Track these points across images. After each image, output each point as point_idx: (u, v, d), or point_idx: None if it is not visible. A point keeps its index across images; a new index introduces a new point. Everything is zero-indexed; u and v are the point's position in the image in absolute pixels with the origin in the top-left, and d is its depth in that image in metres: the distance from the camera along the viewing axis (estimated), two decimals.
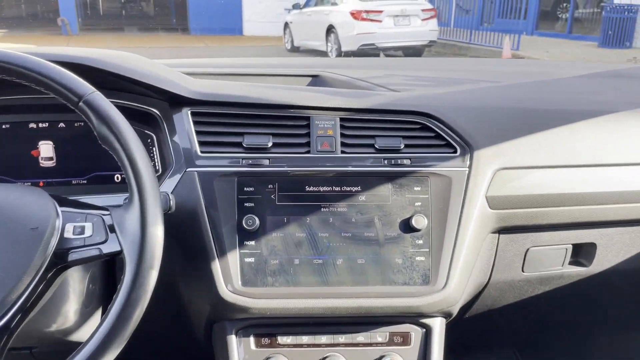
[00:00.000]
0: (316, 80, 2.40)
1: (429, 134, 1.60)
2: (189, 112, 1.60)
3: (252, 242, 1.60)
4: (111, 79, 1.61)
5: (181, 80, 1.72)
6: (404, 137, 1.59)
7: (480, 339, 2.52)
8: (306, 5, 18.04)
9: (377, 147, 1.56)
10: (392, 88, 2.01)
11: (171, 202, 1.49)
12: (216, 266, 1.57)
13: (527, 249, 1.68)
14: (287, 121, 1.60)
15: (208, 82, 1.81)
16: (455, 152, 1.59)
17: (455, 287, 1.61)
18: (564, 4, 20.58)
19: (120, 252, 1.28)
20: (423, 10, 16.10)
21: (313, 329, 1.69)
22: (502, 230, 1.64)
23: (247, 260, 1.59)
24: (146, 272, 1.25)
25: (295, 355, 1.68)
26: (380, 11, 15.44)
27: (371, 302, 1.59)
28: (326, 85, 2.29)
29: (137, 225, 1.27)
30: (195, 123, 1.57)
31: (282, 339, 1.68)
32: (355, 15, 15.43)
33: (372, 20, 15.41)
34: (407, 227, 1.63)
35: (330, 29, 16.16)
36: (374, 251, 1.62)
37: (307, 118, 1.61)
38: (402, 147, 1.57)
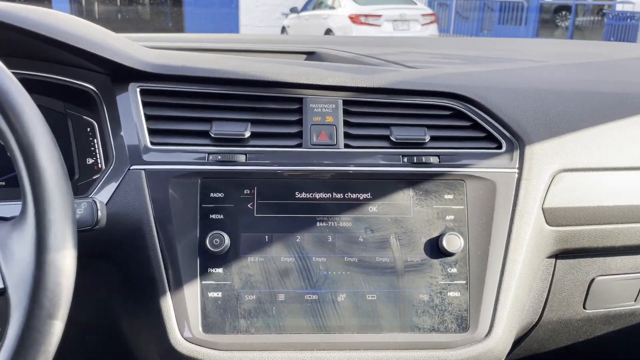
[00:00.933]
0: (313, 57, 1.94)
1: (463, 123, 1.21)
2: (138, 89, 1.17)
3: (220, 270, 1.14)
4: (27, 41, 1.15)
5: (129, 47, 1.26)
6: (430, 127, 1.22)
7: None
8: (304, 9, 17.72)
9: (393, 139, 1.17)
10: (411, 65, 1.56)
11: (98, 213, 1.03)
12: (167, 304, 1.12)
13: (592, 279, 1.26)
14: (272, 103, 1.18)
15: (165, 52, 1.35)
16: (499, 147, 1.16)
17: (503, 335, 1.15)
18: (564, 12, 20.33)
19: (3, 292, 0.84)
20: (423, 15, 15.79)
21: None
22: (561, 254, 1.23)
23: (212, 295, 1.13)
24: (42, 323, 0.81)
25: None
26: (379, 15, 15.11)
27: (386, 356, 1.13)
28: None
29: (30, 250, 0.83)
30: (146, 104, 1.19)
31: None
32: (354, 19, 15.10)
33: (370, 24, 15.08)
34: (435, 250, 1.17)
35: (328, 33, 15.80)
36: (389, 283, 1.16)
37: (299, 100, 1.18)
38: (427, 140, 1.15)
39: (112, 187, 1.18)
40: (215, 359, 1.12)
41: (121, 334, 1.29)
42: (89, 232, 1.00)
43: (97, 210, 1.04)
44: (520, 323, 1.30)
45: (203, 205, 1.17)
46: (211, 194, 1.18)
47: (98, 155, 1.32)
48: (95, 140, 1.34)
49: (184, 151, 1.20)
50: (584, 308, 1.40)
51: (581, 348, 1.55)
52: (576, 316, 1.41)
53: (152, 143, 1.20)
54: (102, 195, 1.17)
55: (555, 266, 1.31)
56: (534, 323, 1.38)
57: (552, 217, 1.23)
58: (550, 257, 1.29)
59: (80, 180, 1.32)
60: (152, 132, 1.21)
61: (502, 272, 1.18)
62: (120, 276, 1.20)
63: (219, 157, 1.19)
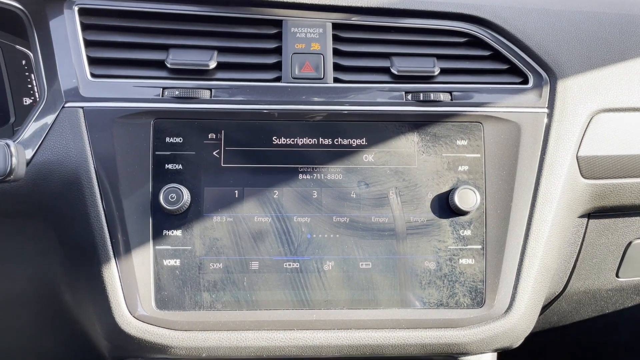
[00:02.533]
0: None
1: (481, 53, 1.04)
2: (75, 8, 0.93)
3: (177, 233, 0.92)
4: None
5: None
6: (440, 57, 1.04)
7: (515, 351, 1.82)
8: None
9: (394, 72, 0.98)
10: None
11: (13, 160, 0.80)
12: (112, 274, 0.90)
13: (629, 243, 1.08)
14: (243, 27, 1.03)
15: None
16: (525, 82, 0.96)
17: (526, 310, 0.95)
18: None
19: None
20: None
21: None
22: (595, 213, 1.06)
23: (168, 263, 0.92)
24: None
25: None
26: None
27: (382, 336, 0.92)
28: None
29: None
30: (85, 27, 1.03)
31: None
32: None
33: None
34: (444, 208, 0.96)
35: None
36: (387, 249, 0.94)
37: (278, 23, 0.95)
38: (436, 73, 0.95)
39: (43, 129, 0.95)
40: (172, 341, 0.91)
41: (67, 309, 1.08)
42: (6, 183, 0.78)
43: (11, 156, 0.81)
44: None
45: (157, 153, 0.94)
46: (167, 139, 0.95)
47: (37, 94, 1.08)
48: (32, 75, 1.09)
49: (132, 85, 0.96)
50: (617, 276, 1.19)
51: (605, 322, 1.35)
52: (607, 285, 1.20)
53: (92, 75, 0.97)
54: (31, 139, 0.94)
55: (587, 227, 1.09)
56: (557, 294, 1.18)
57: (588, 167, 1.01)
58: (582, 216, 1.08)
59: (18, 124, 1.09)
60: (92, 61, 0.98)
61: (526, 235, 0.96)
62: (57, 239, 0.98)
63: (177, 92, 0.96)
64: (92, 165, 0.93)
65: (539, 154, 0.98)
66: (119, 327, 0.90)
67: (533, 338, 1.41)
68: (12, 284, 1.08)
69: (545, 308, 1.23)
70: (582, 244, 1.11)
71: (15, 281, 1.08)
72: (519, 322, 0.95)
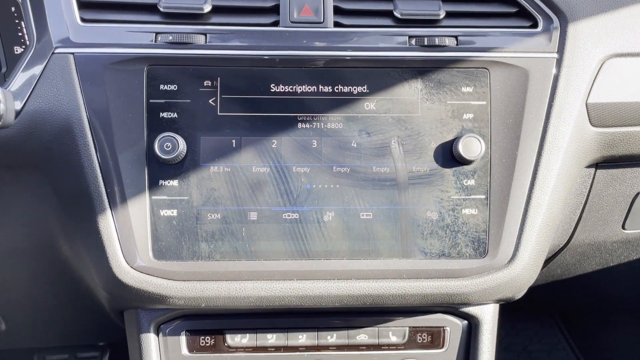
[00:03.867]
0: None
1: None
2: None
3: (174, 183, 0.90)
4: None
5: None
6: (445, 0, 0.99)
7: (517, 304, 1.83)
8: None
9: (397, 15, 0.97)
10: None
11: (0, 106, 0.78)
12: (108, 224, 0.89)
13: (638, 194, 1.03)
14: None
15: None
16: (534, 25, 0.93)
17: (529, 261, 0.93)
18: None
19: None
20: None
21: (283, 322, 1.03)
22: (603, 163, 1.02)
23: (165, 214, 0.90)
24: None
25: None
26: None
27: (383, 286, 0.92)
28: None
29: None
30: None
31: (232, 339, 1.02)
32: None
33: None
34: (448, 157, 0.93)
35: None
36: (389, 199, 0.92)
37: None
38: (441, 17, 0.94)
39: (33, 77, 0.91)
40: (171, 291, 0.90)
41: (65, 261, 1.07)
42: None
43: None
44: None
45: (151, 101, 0.91)
46: (161, 86, 0.92)
47: (28, 42, 1.04)
48: (22, 23, 1.05)
49: (124, 30, 0.92)
50: (623, 228, 1.17)
51: (609, 275, 1.34)
52: (612, 237, 1.18)
53: (82, 20, 0.93)
54: (21, 88, 0.91)
55: (594, 178, 1.07)
56: (561, 246, 1.16)
57: (598, 115, 0.97)
58: (589, 166, 1.05)
59: (10, 74, 1.05)
60: (82, 5, 0.94)
61: (532, 184, 0.93)
62: (53, 191, 0.96)
63: (170, 37, 0.92)
64: (85, 114, 0.90)
65: (547, 101, 0.95)
66: (117, 277, 0.89)
67: (535, 291, 1.41)
68: (9, 236, 1.07)
69: (548, 261, 1.22)
70: (588, 194, 1.08)
71: (12, 234, 1.07)
72: (522, 272, 0.93)
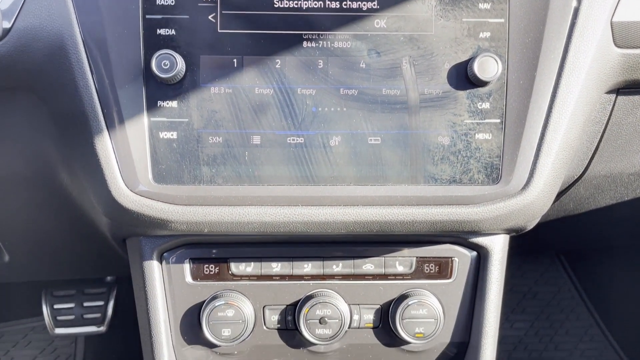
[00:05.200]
0: None
1: None
2: None
3: (173, 104, 0.86)
4: None
5: None
6: None
7: (524, 243, 1.82)
8: None
9: None
10: None
11: None
12: (106, 147, 0.86)
13: None
14: None
15: None
16: None
17: (544, 188, 0.89)
18: None
19: None
20: None
21: (288, 250, 1.01)
22: (625, 89, 0.94)
23: (165, 136, 0.87)
24: None
25: (260, 294, 1.02)
26: None
27: (391, 213, 0.88)
28: None
29: None
30: None
31: (237, 267, 1.00)
32: None
33: None
34: (462, 78, 0.88)
35: None
36: (398, 123, 0.88)
37: None
38: None
39: None
40: (172, 215, 0.87)
41: (65, 190, 1.05)
42: None
43: None
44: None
45: (147, 17, 0.86)
46: (157, 1, 0.86)
47: None
48: None
49: None
50: None
51: (623, 210, 1.31)
52: (629, 169, 1.14)
53: None
54: (10, 6, 0.86)
55: (614, 104, 1.01)
56: (576, 177, 1.12)
57: (623, 34, 0.91)
58: (610, 92, 0.99)
59: None
60: None
61: (549, 108, 0.88)
62: (49, 114, 0.92)
63: None
64: (78, 30, 0.85)
65: (570, 18, 0.88)
66: (117, 202, 0.87)
67: (544, 228, 1.38)
68: (7, 163, 1.04)
69: (561, 194, 1.18)
70: (607, 122, 1.03)
71: (9, 160, 1.04)
72: (535, 200, 0.90)
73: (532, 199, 0.89)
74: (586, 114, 0.94)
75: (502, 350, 2.24)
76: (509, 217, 0.90)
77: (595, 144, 1.06)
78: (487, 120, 0.89)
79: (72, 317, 2.02)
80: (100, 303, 2.04)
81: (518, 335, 2.31)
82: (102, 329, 2.04)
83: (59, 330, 2.01)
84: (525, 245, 1.92)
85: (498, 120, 0.89)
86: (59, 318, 2.01)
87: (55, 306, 2.01)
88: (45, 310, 2.00)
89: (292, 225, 0.89)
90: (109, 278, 2.11)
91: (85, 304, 2.03)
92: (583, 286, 2.38)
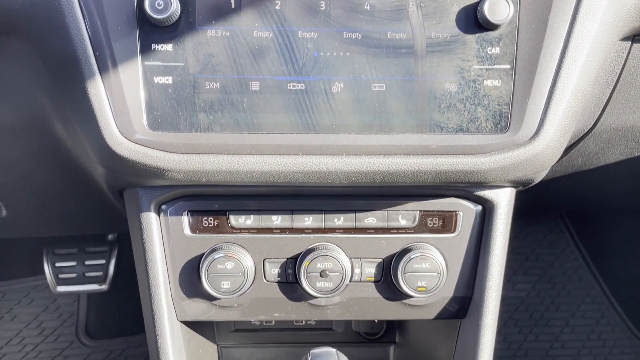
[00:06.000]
0: None
1: None
2: None
3: (168, 47, 0.83)
4: None
5: None
6: None
7: (524, 202, 1.79)
8: None
9: None
10: None
11: None
12: (98, 92, 0.82)
13: None
14: None
15: None
16: None
17: (554, 137, 0.86)
18: None
19: None
20: None
21: (289, 203, 0.98)
22: None
23: (159, 81, 0.83)
24: None
25: (260, 247, 1.00)
26: None
27: (394, 162, 0.85)
28: None
29: None
30: None
31: (236, 220, 0.98)
32: None
33: None
34: (471, 21, 0.84)
35: None
36: (404, 69, 0.84)
37: None
38: None
39: None
40: (169, 164, 0.85)
41: (60, 142, 1.02)
42: None
43: None
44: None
45: None
46: None
47: None
48: None
49: None
50: None
51: (631, 169, 1.27)
52: None
53: None
54: None
55: (629, 52, 0.97)
56: (586, 130, 1.08)
57: None
58: (625, 38, 0.94)
59: None
60: None
61: (562, 53, 0.84)
62: (40, 60, 0.89)
63: None
64: None
65: None
66: (111, 149, 0.84)
67: (552, 183, 1.35)
68: (11, 111, 1.00)
69: (569, 149, 1.15)
70: (621, 71, 0.99)
71: (3, 110, 1.01)
72: (545, 150, 0.86)
73: (541, 149, 0.86)
74: (600, 61, 0.90)
75: (504, 311, 2.25)
76: (517, 167, 0.87)
77: (608, 95, 1.02)
78: (496, 66, 0.85)
79: (73, 275, 2.02)
80: (102, 261, 2.04)
81: (520, 296, 2.31)
82: (104, 287, 2.05)
83: (61, 288, 2.02)
84: (530, 206, 1.90)
85: (508, 66, 0.85)
86: (61, 276, 2.02)
87: (57, 264, 2.01)
88: (46, 268, 2.00)
89: (292, 175, 0.87)
90: (110, 236, 2.11)
91: (87, 263, 2.04)
92: (586, 248, 2.36)
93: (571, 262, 2.38)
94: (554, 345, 2.20)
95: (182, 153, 0.85)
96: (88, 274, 2.02)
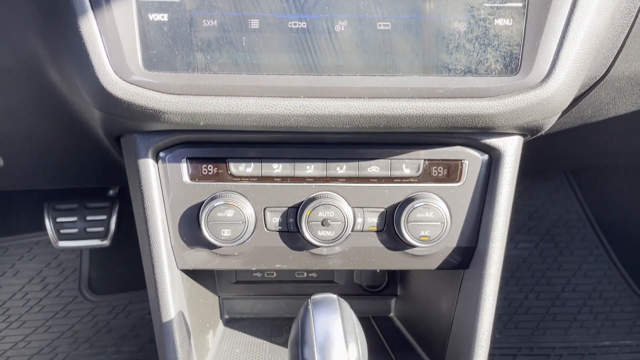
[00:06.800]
0: None
1: None
2: None
3: None
4: None
5: None
6: None
7: (530, 159, 1.76)
8: None
9: None
10: None
11: None
12: (91, 30, 0.79)
13: None
14: None
15: None
16: None
17: (566, 80, 0.83)
18: None
19: None
20: None
21: (289, 151, 0.96)
22: None
23: (154, 18, 0.79)
24: None
25: (260, 195, 0.98)
26: None
27: (399, 106, 0.82)
28: None
29: None
30: None
31: (236, 167, 0.96)
32: None
33: None
34: None
35: None
36: (410, 7, 0.80)
37: None
38: None
39: None
40: (166, 105, 0.82)
41: (55, 87, 0.99)
42: None
43: None
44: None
45: None
46: None
47: None
48: None
49: None
50: None
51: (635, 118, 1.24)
52: None
53: None
54: None
55: None
56: (598, 78, 1.05)
57: None
58: None
59: None
60: None
61: None
62: (33, 1, 0.85)
63: None
64: None
65: None
66: (106, 90, 0.81)
67: (560, 137, 1.32)
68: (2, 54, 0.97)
69: (579, 99, 1.11)
70: (637, 14, 0.94)
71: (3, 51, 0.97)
72: (556, 93, 0.83)
73: (552, 92, 0.83)
74: (616, 1, 0.85)
75: (505, 269, 2.25)
76: (527, 112, 0.84)
77: (622, 40, 0.98)
78: (508, 4, 0.81)
79: (75, 230, 2.02)
80: (103, 217, 2.03)
81: (522, 255, 2.31)
82: (106, 242, 2.05)
83: (63, 243, 2.02)
84: (536, 163, 1.87)
85: (520, 4, 0.81)
86: (62, 231, 2.02)
87: (58, 219, 2.01)
88: (47, 222, 2.00)
89: (293, 118, 0.84)
90: (111, 192, 2.10)
91: (88, 218, 2.03)
92: (590, 207, 2.35)
93: (575, 221, 2.37)
94: (555, 303, 2.21)
95: (179, 94, 0.81)
96: (89, 230, 2.02)
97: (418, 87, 0.82)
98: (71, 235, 2.02)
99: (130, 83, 0.81)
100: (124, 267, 2.20)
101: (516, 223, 2.33)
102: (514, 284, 2.27)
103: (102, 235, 2.03)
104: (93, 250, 2.20)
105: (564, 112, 1.11)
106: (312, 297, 0.81)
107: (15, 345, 2.07)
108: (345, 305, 0.82)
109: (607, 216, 2.31)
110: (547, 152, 1.60)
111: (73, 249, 2.18)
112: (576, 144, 1.48)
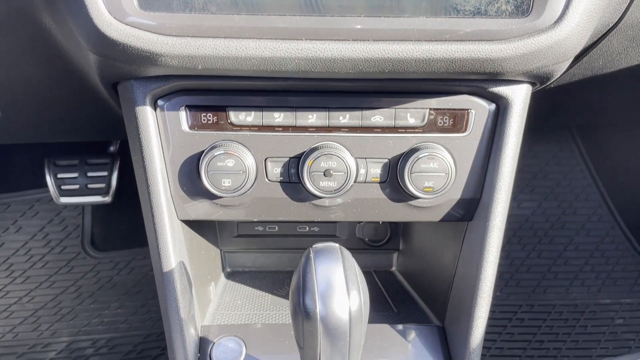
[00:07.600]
0: None
1: None
2: None
3: None
4: None
5: None
6: None
7: (538, 114, 1.73)
8: None
9: None
10: None
11: None
12: None
13: None
14: None
15: None
16: None
17: (579, 22, 0.79)
18: None
19: None
20: None
21: (291, 99, 0.93)
22: None
23: None
24: None
25: (261, 145, 0.96)
26: None
27: (404, 49, 0.79)
28: None
29: None
30: None
31: (236, 116, 0.93)
32: None
33: None
34: None
35: None
36: None
37: None
38: None
39: None
40: (162, 47, 0.79)
41: (50, 34, 0.95)
42: None
43: None
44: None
45: None
46: None
47: None
48: None
49: None
50: None
51: None
52: None
53: None
54: None
55: None
56: (610, 25, 1.01)
57: None
58: None
59: None
60: None
61: None
62: None
63: None
64: None
65: None
66: (100, 31, 0.78)
67: (570, 89, 1.28)
68: None
69: (590, 48, 1.07)
70: None
71: None
72: (568, 36, 0.80)
73: (564, 36, 0.79)
74: None
75: (508, 229, 2.25)
76: (537, 56, 0.81)
77: None
78: None
79: (76, 186, 2.01)
80: (104, 173, 2.02)
81: (524, 214, 2.30)
82: (107, 199, 2.04)
83: (64, 199, 2.02)
84: (543, 119, 1.83)
85: None
86: (64, 187, 2.01)
87: (59, 175, 2.00)
88: (48, 179, 1.99)
89: (295, 62, 0.81)
90: (111, 148, 2.08)
91: (89, 174, 2.02)
92: (595, 166, 2.32)
93: (579, 180, 2.35)
94: (557, 262, 2.21)
95: (176, 36, 0.78)
96: (91, 186, 2.02)
97: (425, 29, 0.79)
98: (72, 192, 2.01)
99: (126, 24, 0.77)
100: (126, 224, 2.21)
101: (519, 182, 2.31)
102: (516, 243, 2.27)
103: (103, 192, 2.02)
104: (95, 207, 2.20)
105: (575, 61, 1.07)
106: (314, 245, 0.80)
107: (19, 300, 2.09)
108: (347, 253, 0.81)
109: (611, 176, 2.29)
110: (554, 107, 1.57)
111: (75, 206, 2.17)
112: (585, 97, 1.44)
